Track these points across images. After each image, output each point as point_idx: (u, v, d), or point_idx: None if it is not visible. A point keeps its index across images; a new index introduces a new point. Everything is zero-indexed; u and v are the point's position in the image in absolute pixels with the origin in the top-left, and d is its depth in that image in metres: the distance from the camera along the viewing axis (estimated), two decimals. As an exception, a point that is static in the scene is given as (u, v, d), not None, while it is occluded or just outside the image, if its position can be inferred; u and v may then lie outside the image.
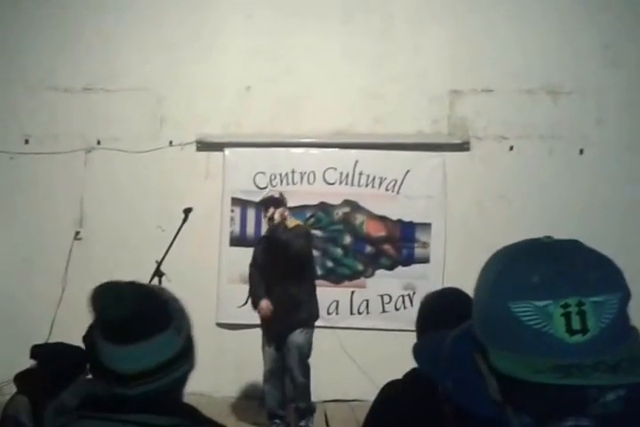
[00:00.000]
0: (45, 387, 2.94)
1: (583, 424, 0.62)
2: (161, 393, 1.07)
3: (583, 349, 0.62)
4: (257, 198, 5.29)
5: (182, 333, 1.10)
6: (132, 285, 1.12)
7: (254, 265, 4.49)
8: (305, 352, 4.39)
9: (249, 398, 5.19)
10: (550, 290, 0.63)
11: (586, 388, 0.61)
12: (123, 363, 1.05)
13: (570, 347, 0.62)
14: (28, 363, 3.20)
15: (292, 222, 4.42)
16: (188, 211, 4.52)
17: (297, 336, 4.37)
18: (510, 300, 0.65)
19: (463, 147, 5.46)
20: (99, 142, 5.49)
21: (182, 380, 1.11)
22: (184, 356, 1.10)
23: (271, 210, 4.28)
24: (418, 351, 0.83)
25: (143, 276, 4.31)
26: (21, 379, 3.08)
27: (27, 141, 5.51)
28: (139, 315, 1.06)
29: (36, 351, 3.12)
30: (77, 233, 5.42)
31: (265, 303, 4.32)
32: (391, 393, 1.71)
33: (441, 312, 1.74)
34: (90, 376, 2.06)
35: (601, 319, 0.63)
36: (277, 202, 4.33)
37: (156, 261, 4.38)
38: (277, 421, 4.49)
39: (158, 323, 1.08)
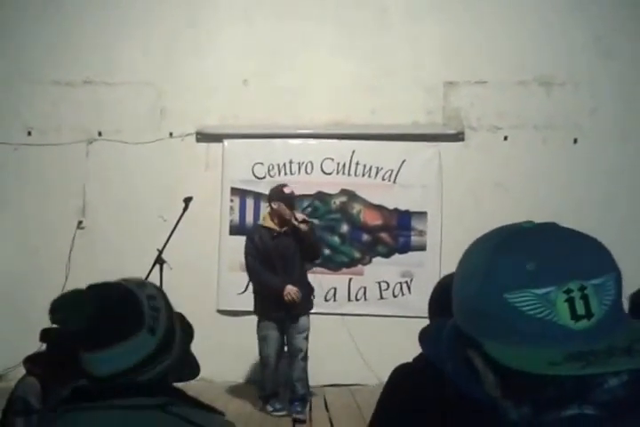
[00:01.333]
0: (55, 370, 2.84)
1: (587, 412, 0.57)
2: (141, 383, 1.04)
3: (590, 334, 0.58)
4: (255, 188, 5.30)
5: (158, 332, 1.05)
6: (94, 291, 1.07)
7: (258, 256, 4.36)
8: (308, 336, 4.41)
9: (249, 383, 5.12)
10: (550, 276, 0.59)
11: (598, 374, 0.56)
12: (95, 367, 1.03)
13: (577, 334, 0.58)
14: (33, 349, 3.10)
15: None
16: (188, 200, 4.48)
17: (304, 320, 4.39)
18: (506, 290, 0.59)
19: (458, 137, 5.40)
20: (100, 134, 5.43)
21: (163, 373, 1.07)
22: (160, 354, 1.05)
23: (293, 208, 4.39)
24: (422, 336, 0.79)
25: (145, 264, 4.24)
26: (31, 362, 2.99)
27: (29, 133, 5.45)
28: (100, 323, 1.01)
29: (46, 335, 3.02)
30: (80, 222, 5.35)
31: (292, 288, 4.27)
32: (402, 376, 1.65)
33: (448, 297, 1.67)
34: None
35: (603, 302, 0.59)
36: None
37: (158, 250, 4.31)
38: (278, 406, 4.43)
39: (125, 328, 1.03)
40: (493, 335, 0.61)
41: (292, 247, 4.29)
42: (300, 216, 4.34)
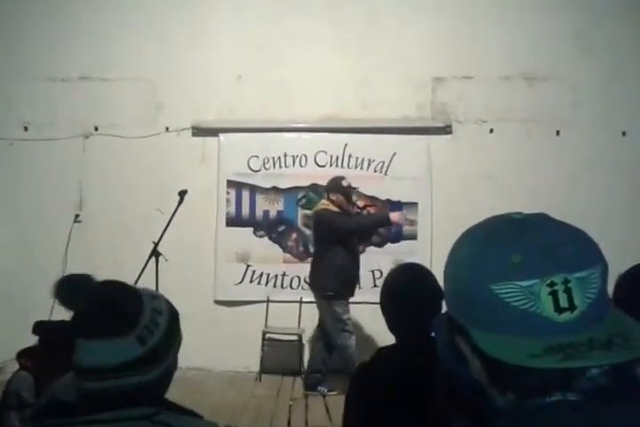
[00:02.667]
0: (48, 364, 2.63)
1: (570, 398, 0.57)
2: (120, 393, 0.99)
3: (573, 327, 0.57)
4: (251, 181, 5.17)
5: (148, 344, 1.01)
6: (106, 283, 1.06)
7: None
8: None
9: (246, 372, 4.94)
10: (534, 269, 0.57)
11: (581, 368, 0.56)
12: (82, 356, 0.99)
13: (559, 326, 0.57)
14: (30, 343, 2.88)
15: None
16: (183, 193, 4.33)
17: None
18: (492, 282, 0.58)
19: (446, 130, 5.35)
20: (96, 129, 5.27)
21: (145, 386, 1.01)
22: (144, 365, 1.01)
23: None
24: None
25: (142, 257, 4.08)
26: (24, 356, 2.78)
27: (26, 129, 5.27)
28: (94, 313, 0.99)
29: (39, 328, 2.81)
30: (77, 216, 5.18)
31: (394, 213, 4.30)
32: (368, 374, 1.60)
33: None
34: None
35: (586, 295, 0.57)
36: None
37: (153, 242, 4.13)
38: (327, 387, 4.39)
39: (116, 326, 0.99)
40: (480, 324, 0.59)
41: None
42: (360, 203, 4.41)
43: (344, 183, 4.35)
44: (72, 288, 1.04)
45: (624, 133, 5.26)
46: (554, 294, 0.56)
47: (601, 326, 0.57)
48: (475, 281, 0.60)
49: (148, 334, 1.01)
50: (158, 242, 4.16)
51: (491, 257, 0.59)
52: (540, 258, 0.57)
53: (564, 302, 0.56)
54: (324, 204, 4.44)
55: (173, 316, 1.07)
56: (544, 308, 0.56)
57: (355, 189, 4.42)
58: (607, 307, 0.59)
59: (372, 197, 5.15)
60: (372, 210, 4.35)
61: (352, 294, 4.42)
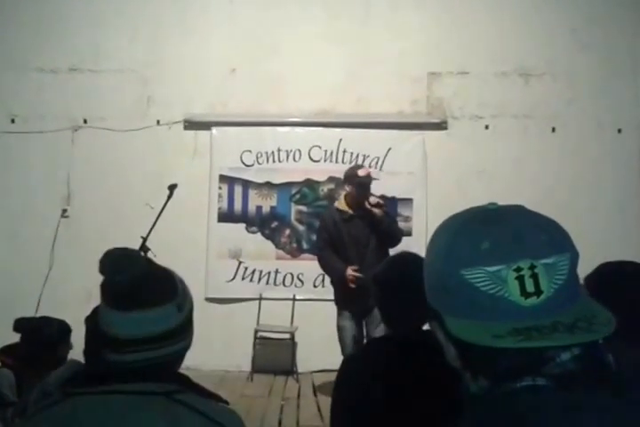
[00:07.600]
0: (29, 361, 2.34)
1: (540, 383, 0.55)
2: (153, 364, 0.94)
3: (538, 310, 0.55)
4: (244, 176, 4.83)
5: (184, 311, 0.98)
6: (143, 256, 1.02)
7: (330, 239, 3.64)
8: None
9: (238, 372, 4.62)
10: (501, 255, 0.56)
11: (542, 348, 0.54)
12: (123, 328, 0.93)
13: (525, 310, 0.55)
14: (15, 339, 2.57)
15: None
16: (172, 187, 3.94)
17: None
18: (463, 267, 0.58)
19: (441, 126, 4.99)
20: (85, 121, 4.83)
21: (176, 355, 0.98)
22: (180, 333, 0.97)
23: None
24: None
25: (131, 252, 3.72)
26: (5, 353, 2.48)
27: (13, 121, 4.82)
28: (143, 284, 0.94)
29: (20, 325, 2.50)
30: (64, 211, 4.75)
31: (350, 271, 3.50)
32: (355, 365, 1.48)
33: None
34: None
35: (553, 280, 0.56)
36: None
37: (142, 237, 3.79)
38: None
39: (163, 295, 0.96)
40: (453, 310, 0.59)
41: (365, 231, 3.58)
42: (373, 200, 3.58)
43: (360, 173, 3.58)
44: (115, 262, 0.92)
45: (619, 131, 5.01)
46: (520, 278, 0.55)
47: (568, 311, 0.55)
48: (447, 267, 0.59)
49: (183, 301, 0.98)
50: (147, 237, 3.77)
51: (462, 244, 0.59)
52: (507, 245, 0.57)
53: (530, 287, 0.55)
54: (339, 199, 3.84)
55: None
56: (511, 292, 0.55)
57: (373, 180, 3.65)
58: (576, 293, 0.58)
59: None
60: (377, 211, 3.54)
61: (356, 305, 3.60)
